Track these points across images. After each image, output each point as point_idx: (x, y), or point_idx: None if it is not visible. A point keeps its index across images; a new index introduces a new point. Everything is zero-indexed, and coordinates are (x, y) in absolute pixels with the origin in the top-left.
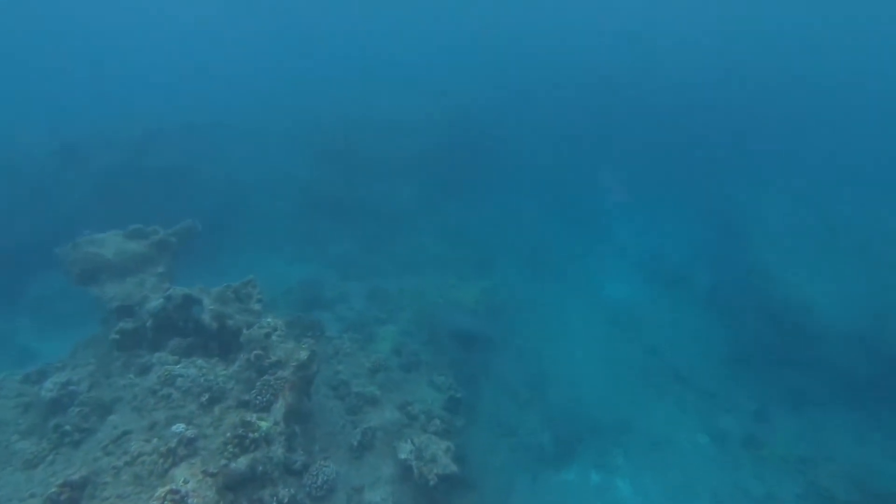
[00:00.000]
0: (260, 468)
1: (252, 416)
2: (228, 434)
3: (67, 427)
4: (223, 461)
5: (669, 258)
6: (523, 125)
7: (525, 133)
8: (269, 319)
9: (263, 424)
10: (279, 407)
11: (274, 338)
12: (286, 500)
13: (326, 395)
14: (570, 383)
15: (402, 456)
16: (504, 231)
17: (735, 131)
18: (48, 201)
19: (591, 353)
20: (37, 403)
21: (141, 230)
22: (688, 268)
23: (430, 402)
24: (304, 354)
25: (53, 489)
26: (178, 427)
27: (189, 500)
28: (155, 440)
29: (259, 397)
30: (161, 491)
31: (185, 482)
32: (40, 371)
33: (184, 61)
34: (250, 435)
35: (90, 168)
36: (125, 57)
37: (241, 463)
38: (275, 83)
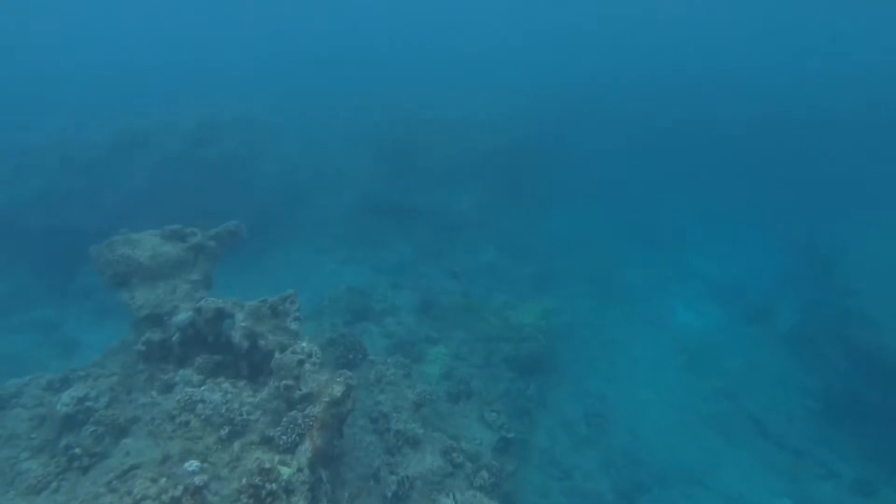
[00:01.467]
0: None
1: (274, 459)
2: (244, 481)
3: (77, 450)
4: None
5: (752, 290)
6: (596, 132)
7: (597, 141)
8: (304, 344)
9: (285, 471)
10: (305, 449)
11: (307, 366)
12: None
13: (364, 427)
14: (635, 423)
15: None
16: (570, 246)
17: (833, 152)
18: (103, 189)
19: (659, 391)
20: (52, 417)
21: (179, 231)
22: (772, 302)
23: (478, 444)
24: (338, 390)
25: None
26: (192, 465)
27: None
28: (163, 480)
29: (284, 436)
30: None
31: None
32: (63, 379)
33: (240, 53)
34: (267, 486)
35: (147, 158)
36: (183, 47)
37: None
38: (332, 76)
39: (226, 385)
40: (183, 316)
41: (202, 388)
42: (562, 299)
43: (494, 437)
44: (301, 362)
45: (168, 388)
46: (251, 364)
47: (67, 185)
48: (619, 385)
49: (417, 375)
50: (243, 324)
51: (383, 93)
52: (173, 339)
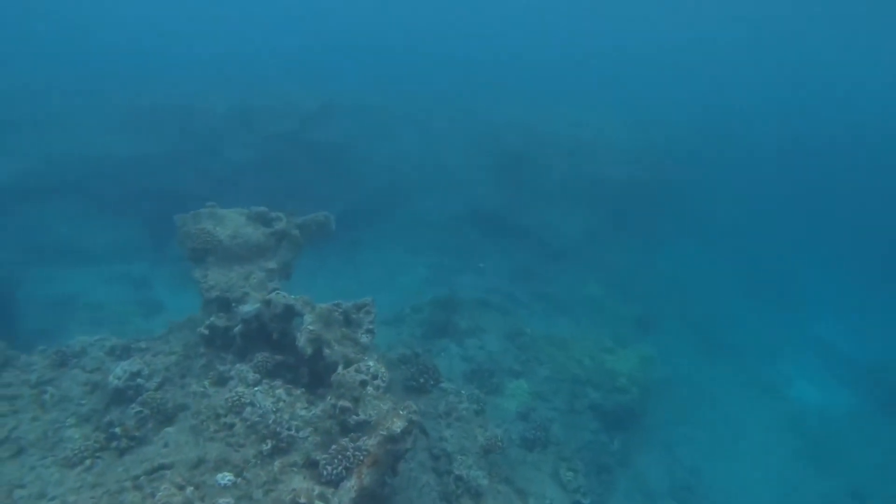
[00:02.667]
0: None
1: (314, 491)
2: None
3: (117, 430)
4: None
5: (891, 371)
6: (722, 169)
7: (722, 178)
8: (370, 363)
9: None
10: (350, 487)
11: (370, 389)
12: None
13: (423, 463)
14: None
15: None
16: (680, 290)
17: None
18: (215, 158)
19: (766, 476)
20: (104, 386)
21: (264, 214)
22: None
23: None
24: (398, 425)
25: None
26: (224, 478)
27: None
28: (189, 490)
29: (330, 466)
30: None
31: None
32: (125, 347)
33: (368, 40)
34: None
35: (260, 133)
36: (313, 31)
37: None
38: (460, 77)
39: (280, 391)
40: (249, 307)
41: (256, 388)
42: (664, 349)
43: (567, 500)
44: (364, 383)
45: (222, 381)
46: (312, 372)
47: (185, 149)
48: (717, 459)
49: (492, 410)
50: (311, 327)
51: (508, 101)
52: (236, 329)
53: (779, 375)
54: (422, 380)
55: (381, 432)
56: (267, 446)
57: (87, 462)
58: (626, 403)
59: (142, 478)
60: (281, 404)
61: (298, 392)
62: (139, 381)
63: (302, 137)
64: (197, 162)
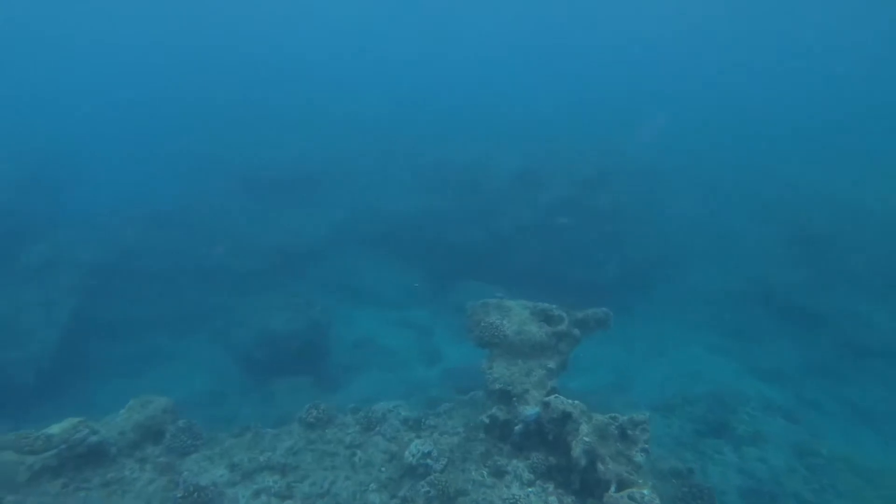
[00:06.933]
0: None
1: None
2: None
3: None
4: None
5: None
6: None
7: None
8: (645, 491)
9: None
10: None
11: None
12: None
13: None
14: None
15: None
16: None
17: None
18: (500, 218)
19: None
20: (399, 458)
21: (548, 312)
22: None
23: None
24: None
25: None
26: None
27: None
28: None
29: None
30: None
31: None
32: (417, 420)
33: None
34: None
35: (537, 196)
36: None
37: None
38: (752, 132)
39: (553, 498)
40: (531, 412)
41: (530, 489)
42: None
43: None
44: None
45: (499, 473)
46: (583, 481)
47: (471, 206)
48: None
49: None
50: (586, 439)
51: (814, 163)
52: (515, 429)
53: None
54: None
55: None
56: None
57: None
58: None
59: None
60: None
61: (570, 501)
62: (428, 461)
63: (581, 202)
64: (480, 220)
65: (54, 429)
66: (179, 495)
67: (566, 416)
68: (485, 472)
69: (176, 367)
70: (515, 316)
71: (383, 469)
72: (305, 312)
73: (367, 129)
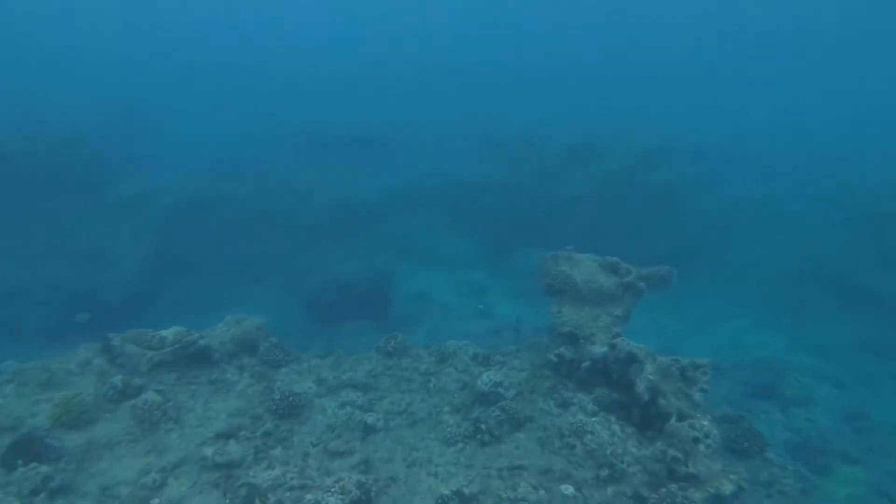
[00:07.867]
0: None
1: None
2: None
3: (483, 426)
4: None
5: None
6: None
7: None
8: (705, 423)
9: None
10: None
11: (702, 447)
12: None
13: None
14: None
15: None
16: None
17: None
18: (555, 188)
19: None
20: (472, 386)
21: (616, 265)
22: None
23: None
24: (727, 487)
25: (447, 492)
26: (568, 489)
27: None
28: (542, 492)
29: None
30: None
31: None
32: (486, 357)
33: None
34: None
35: (592, 169)
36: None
37: None
38: (821, 115)
39: (615, 426)
40: (599, 350)
41: (594, 418)
42: None
43: None
44: (696, 440)
45: (565, 405)
46: (644, 415)
47: (527, 176)
48: None
49: (817, 493)
50: (650, 377)
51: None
52: (583, 365)
53: None
54: (745, 445)
55: (710, 489)
56: (604, 473)
57: (460, 445)
58: None
59: (504, 471)
60: (615, 438)
61: (630, 431)
62: (500, 389)
63: (632, 177)
64: (534, 189)
65: (167, 332)
66: (277, 397)
67: (631, 357)
68: (551, 403)
69: (247, 309)
70: (584, 267)
71: (456, 395)
72: (369, 264)
73: (432, 98)
